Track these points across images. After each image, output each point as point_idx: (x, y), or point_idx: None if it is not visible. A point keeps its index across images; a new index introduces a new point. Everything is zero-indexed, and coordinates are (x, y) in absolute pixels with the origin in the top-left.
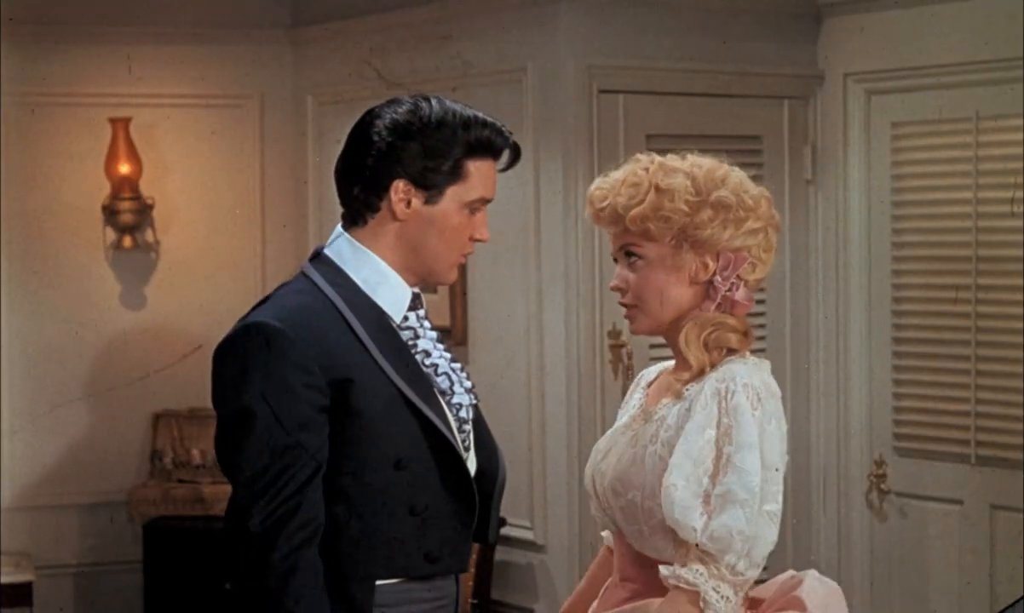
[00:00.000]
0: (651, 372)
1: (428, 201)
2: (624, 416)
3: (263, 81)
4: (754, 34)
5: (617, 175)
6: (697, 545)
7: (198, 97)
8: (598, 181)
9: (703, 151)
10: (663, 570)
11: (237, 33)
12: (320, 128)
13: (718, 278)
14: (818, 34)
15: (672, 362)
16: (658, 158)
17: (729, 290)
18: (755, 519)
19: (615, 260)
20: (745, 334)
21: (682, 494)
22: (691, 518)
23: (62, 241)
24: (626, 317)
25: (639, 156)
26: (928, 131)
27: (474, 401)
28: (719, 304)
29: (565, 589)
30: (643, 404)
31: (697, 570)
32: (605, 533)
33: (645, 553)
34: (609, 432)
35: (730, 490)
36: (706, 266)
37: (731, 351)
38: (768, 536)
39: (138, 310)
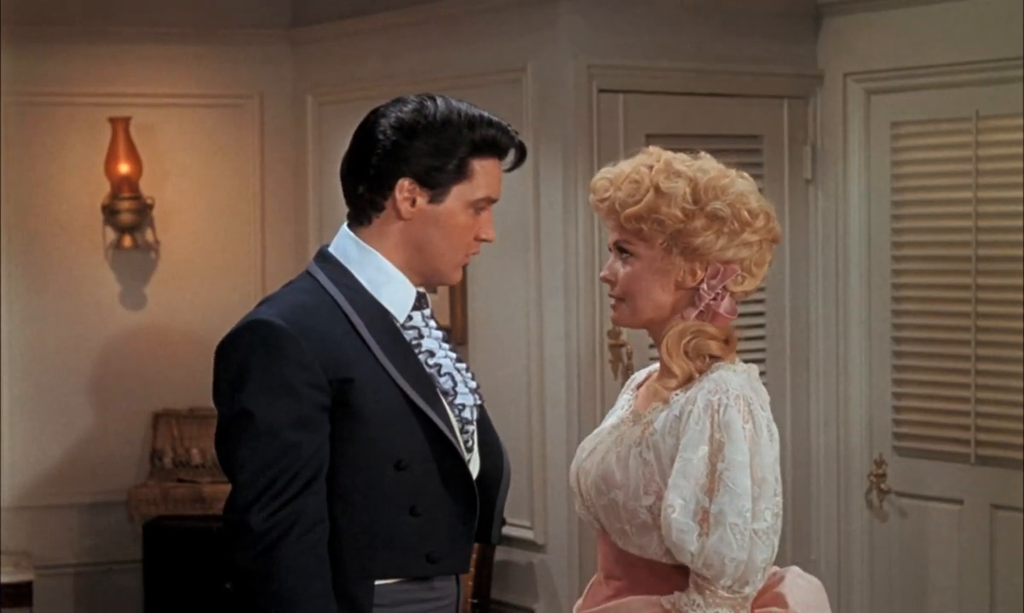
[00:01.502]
0: (641, 374)
1: (433, 200)
2: (612, 417)
3: (263, 81)
4: (754, 34)
5: (624, 167)
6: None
7: (198, 97)
8: (603, 170)
9: (696, 151)
10: (664, 601)
11: (237, 33)
12: (320, 128)
13: (704, 287)
14: (818, 34)
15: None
16: (666, 156)
17: (714, 300)
18: (746, 542)
19: (610, 250)
20: (727, 341)
21: (679, 516)
22: (687, 542)
23: (62, 241)
24: (612, 307)
25: (651, 149)
26: (928, 131)
27: (478, 401)
28: (701, 312)
29: (565, 589)
30: (632, 406)
31: (695, 600)
32: None
33: (629, 551)
34: (596, 431)
35: (722, 511)
36: (694, 273)
37: (716, 357)
38: (760, 555)
39: (138, 310)
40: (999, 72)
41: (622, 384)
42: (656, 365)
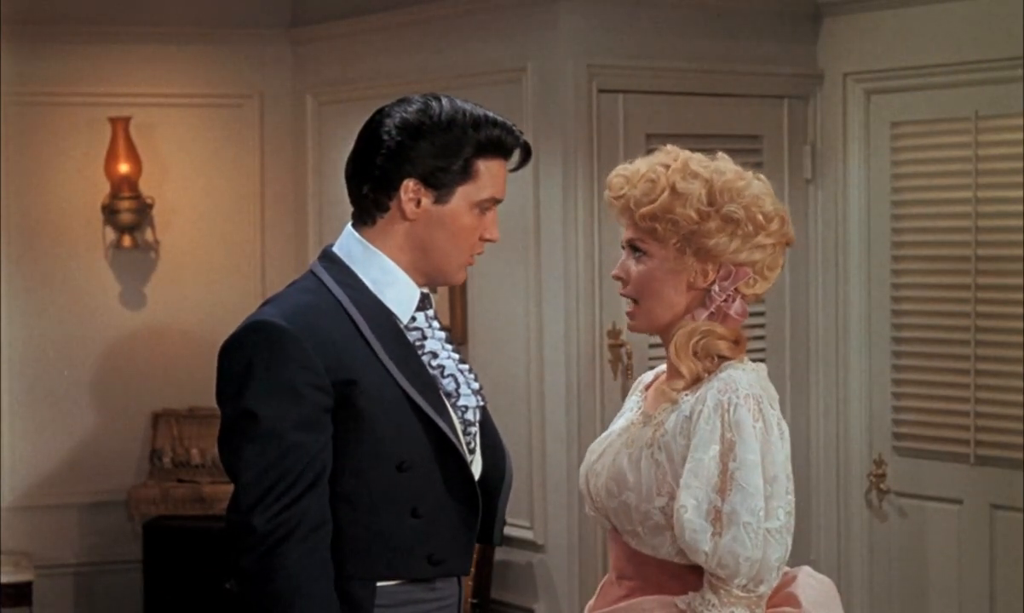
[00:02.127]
0: (648, 375)
1: (438, 200)
2: (621, 419)
3: (263, 81)
4: (754, 34)
5: (640, 166)
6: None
7: (198, 97)
8: (620, 168)
9: (703, 151)
10: (679, 601)
11: (237, 33)
12: (320, 128)
13: (716, 288)
14: (818, 34)
15: None
16: (684, 156)
17: (725, 301)
18: (759, 541)
19: (622, 248)
20: (736, 342)
21: (691, 516)
22: (701, 542)
23: (62, 241)
24: (628, 314)
25: (668, 148)
26: (927, 131)
27: (481, 403)
28: (711, 313)
29: (565, 589)
30: (641, 407)
31: (710, 600)
32: None
33: (642, 551)
34: (604, 434)
35: (735, 511)
36: (706, 274)
37: (725, 357)
38: (774, 554)
39: (138, 310)
40: (999, 72)
41: (622, 384)
42: (663, 366)
